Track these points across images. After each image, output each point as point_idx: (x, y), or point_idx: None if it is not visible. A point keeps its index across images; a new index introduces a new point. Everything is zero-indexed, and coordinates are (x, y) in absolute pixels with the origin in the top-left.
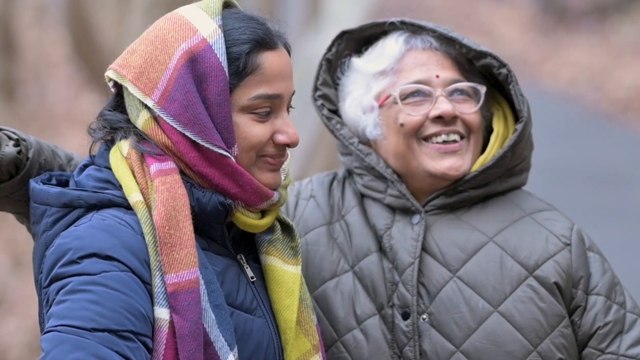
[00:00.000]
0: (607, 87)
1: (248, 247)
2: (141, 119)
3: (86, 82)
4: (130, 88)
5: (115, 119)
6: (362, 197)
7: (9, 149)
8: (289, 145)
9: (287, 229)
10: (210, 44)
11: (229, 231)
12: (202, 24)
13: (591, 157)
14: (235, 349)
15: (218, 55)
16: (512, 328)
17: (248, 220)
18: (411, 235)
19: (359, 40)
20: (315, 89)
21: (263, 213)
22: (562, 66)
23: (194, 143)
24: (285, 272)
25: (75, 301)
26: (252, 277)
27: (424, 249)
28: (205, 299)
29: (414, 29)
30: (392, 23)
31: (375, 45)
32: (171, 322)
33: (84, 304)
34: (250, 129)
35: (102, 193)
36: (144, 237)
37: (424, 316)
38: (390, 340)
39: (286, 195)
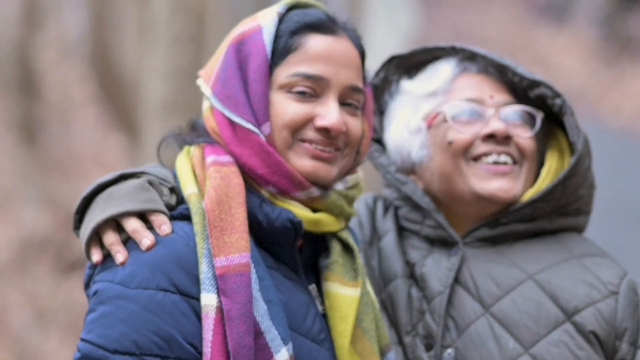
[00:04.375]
0: None
1: (319, 280)
2: (204, 109)
3: (114, 122)
4: (200, 82)
5: (197, 118)
6: (401, 228)
7: (167, 198)
8: (329, 131)
9: (348, 250)
10: (262, 27)
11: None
12: (266, 13)
13: None
14: (290, 345)
15: (264, 36)
16: None
17: (296, 210)
18: (446, 265)
19: (407, 66)
20: None
21: (315, 212)
22: (625, 99)
23: (230, 122)
24: (340, 296)
25: (105, 315)
26: (322, 310)
27: (457, 280)
28: (257, 288)
29: (468, 56)
30: (443, 49)
31: (426, 69)
32: (218, 308)
33: (111, 321)
34: (284, 106)
35: (175, 211)
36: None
37: (450, 350)
38: None
39: (343, 204)
